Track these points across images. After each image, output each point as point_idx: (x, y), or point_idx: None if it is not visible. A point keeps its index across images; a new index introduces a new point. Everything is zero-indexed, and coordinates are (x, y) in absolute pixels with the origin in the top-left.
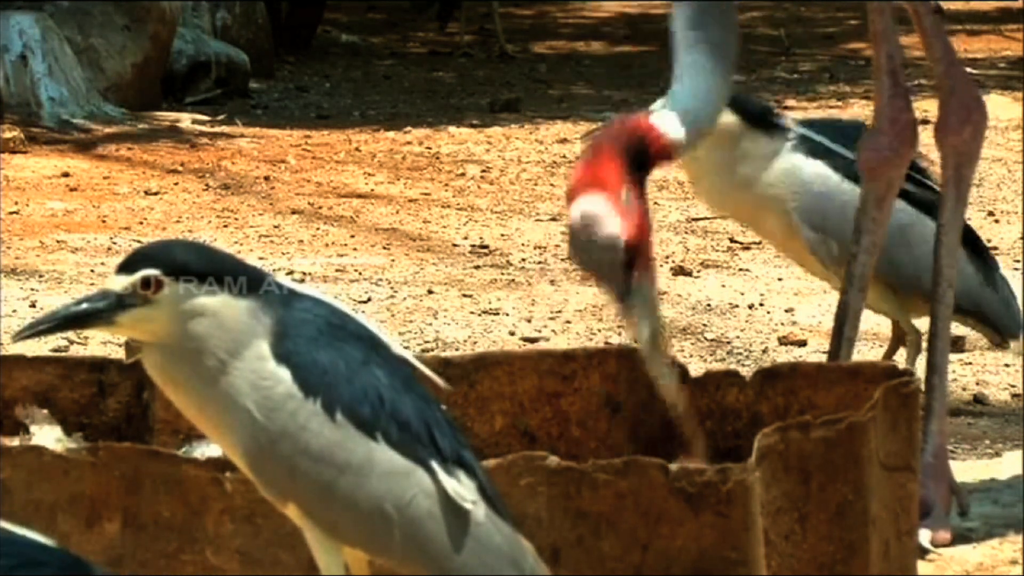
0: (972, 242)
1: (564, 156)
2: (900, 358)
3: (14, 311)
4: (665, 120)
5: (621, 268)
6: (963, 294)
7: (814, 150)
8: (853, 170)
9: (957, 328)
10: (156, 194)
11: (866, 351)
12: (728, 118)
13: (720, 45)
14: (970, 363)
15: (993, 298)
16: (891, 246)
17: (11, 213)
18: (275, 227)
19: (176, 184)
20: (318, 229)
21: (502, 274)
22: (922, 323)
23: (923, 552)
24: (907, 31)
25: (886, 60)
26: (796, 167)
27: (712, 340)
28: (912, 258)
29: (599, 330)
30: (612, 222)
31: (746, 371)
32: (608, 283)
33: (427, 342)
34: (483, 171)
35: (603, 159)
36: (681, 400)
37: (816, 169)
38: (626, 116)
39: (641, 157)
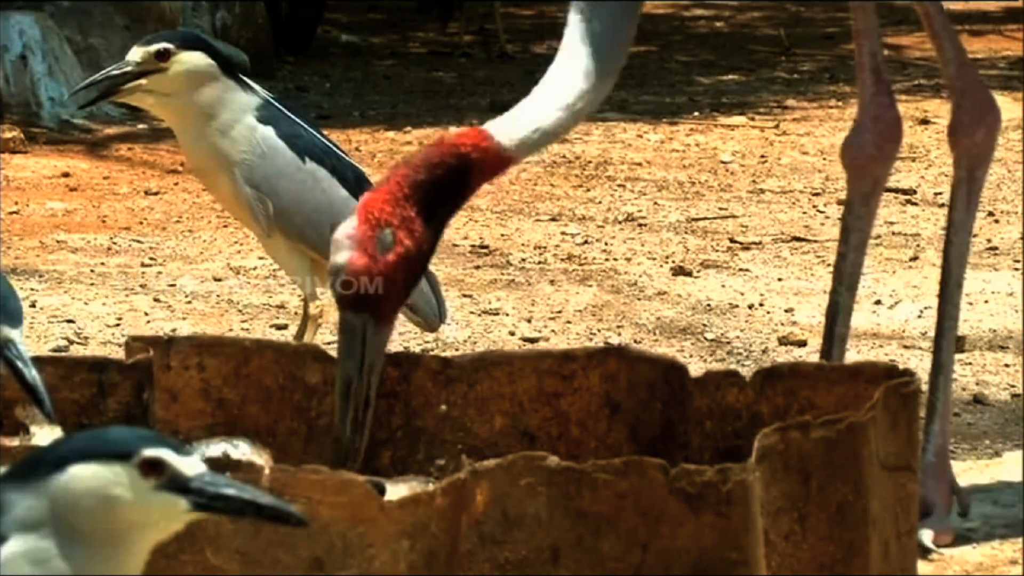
0: None
1: (564, 156)
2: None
3: None
4: (504, 127)
5: (338, 303)
6: None
7: (272, 118)
8: (298, 143)
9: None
10: (156, 194)
11: (866, 351)
12: (203, 60)
13: (605, 48)
14: (970, 363)
15: (420, 291)
16: (323, 223)
17: (11, 213)
18: None
19: (176, 184)
20: None
21: (502, 274)
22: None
23: (925, 552)
24: (909, 31)
25: (868, 58)
26: (252, 127)
27: (712, 340)
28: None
29: (599, 330)
30: (342, 255)
31: (746, 371)
32: (339, 310)
33: (427, 342)
34: None
35: (390, 185)
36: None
37: (267, 132)
38: (458, 131)
39: (459, 178)
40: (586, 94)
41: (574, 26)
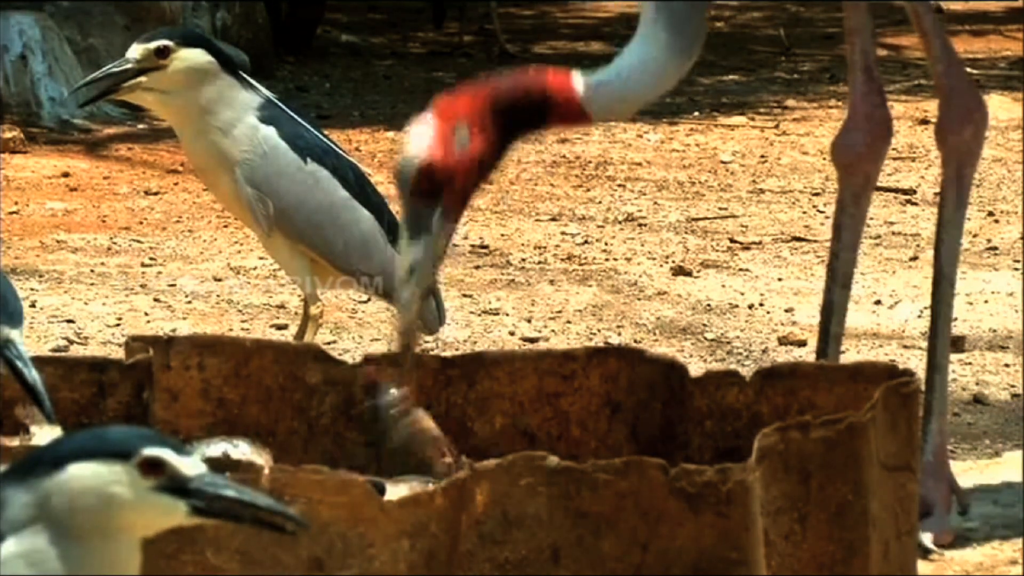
0: (394, 235)
1: (564, 156)
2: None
3: None
4: (585, 83)
5: (409, 190)
6: (393, 287)
7: (273, 118)
8: (300, 143)
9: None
10: (156, 194)
11: (866, 351)
12: (203, 57)
13: (682, 25)
14: (970, 363)
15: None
16: (323, 224)
17: (11, 213)
18: None
19: (176, 184)
20: None
21: (502, 274)
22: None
23: (925, 552)
24: (909, 31)
25: (860, 56)
26: (254, 127)
27: (712, 340)
28: (341, 237)
29: (599, 330)
30: (420, 144)
31: (746, 371)
32: (401, 204)
33: (427, 342)
34: None
35: (474, 93)
36: (407, 355)
37: (268, 132)
38: (548, 69)
39: (536, 110)
40: (669, 71)
41: (654, 5)
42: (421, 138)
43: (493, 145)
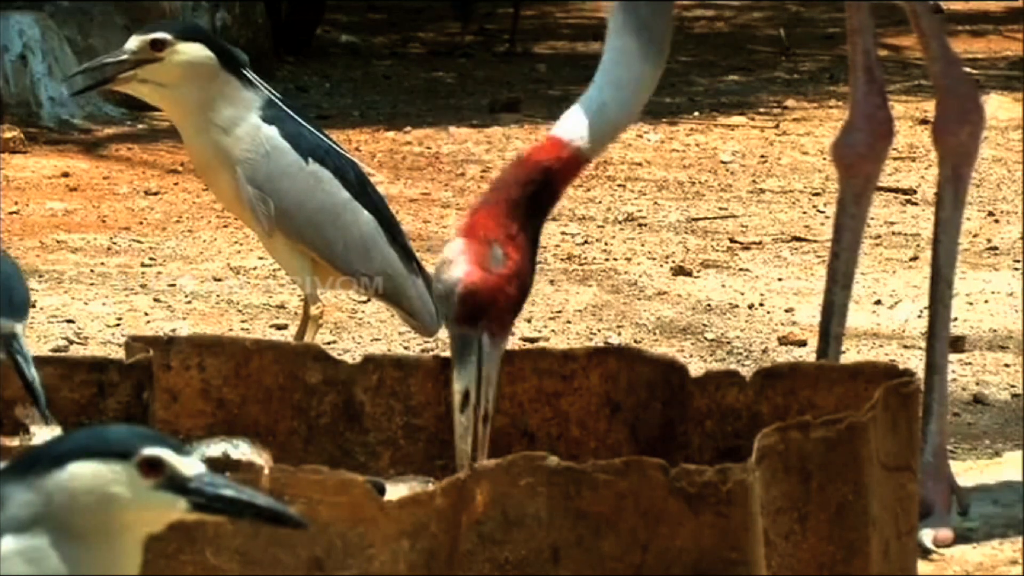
0: (394, 236)
1: None
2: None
3: None
4: (569, 127)
5: (455, 317)
6: (392, 288)
7: (276, 117)
8: (302, 142)
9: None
10: (156, 194)
11: (866, 351)
12: (202, 52)
13: (651, 32)
14: (970, 363)
15: (414, 291)
16: (324, 224)
17: (11, 213)
18: None
19: (176, 184)
20: None
21: None
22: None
23: (925, 552)
24: (910, 31)
25: (862, 56)
26: (256, 126)
27: (712, 340)
28: (342, 237)
29: (599, 330)
30: (458, 270)
31: (746, 371)
32: (448, 330)
33: (427, 341)
34: (483, 171)
35: (491, 205)
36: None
37: (270, 132)
38: (532, 147)
39: (545, 190)
40: (645, 77)
41: (620, 13)
42: (457, 263)
43: (526, 248)
